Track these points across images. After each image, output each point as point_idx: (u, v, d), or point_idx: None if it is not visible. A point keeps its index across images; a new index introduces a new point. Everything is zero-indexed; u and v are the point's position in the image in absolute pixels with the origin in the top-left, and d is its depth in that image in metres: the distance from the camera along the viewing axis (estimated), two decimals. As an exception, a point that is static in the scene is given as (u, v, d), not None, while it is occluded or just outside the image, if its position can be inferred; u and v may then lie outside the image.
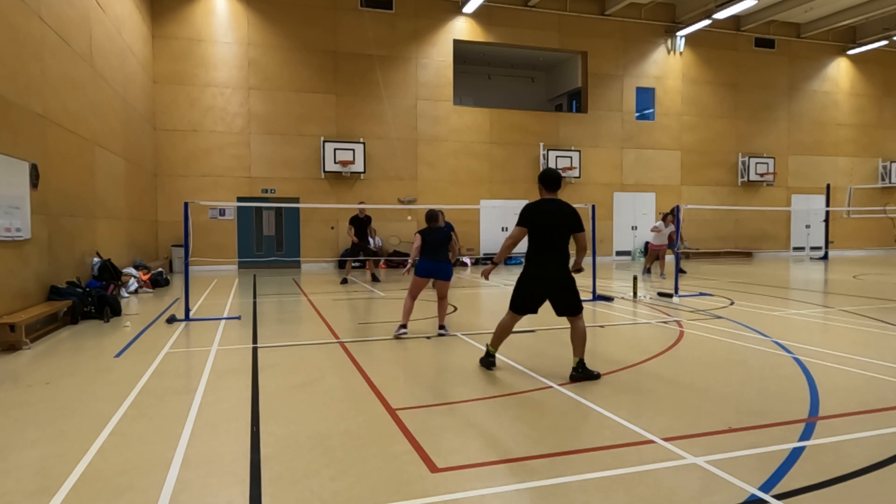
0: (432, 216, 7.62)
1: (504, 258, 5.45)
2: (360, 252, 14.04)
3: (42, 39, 8.68)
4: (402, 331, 7.20)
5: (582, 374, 5.16)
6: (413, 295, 7.44)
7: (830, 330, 7.67)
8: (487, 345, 5.64)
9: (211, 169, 17.77)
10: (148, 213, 16.16)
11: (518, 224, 5.29)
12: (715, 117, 23.17)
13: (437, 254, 7.35)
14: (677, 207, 11.77)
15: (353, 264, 14.95)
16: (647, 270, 15.65)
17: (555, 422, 4.09)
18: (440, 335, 7.26)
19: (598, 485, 3.11)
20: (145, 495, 3.04)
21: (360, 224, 14.01)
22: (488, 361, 5.57)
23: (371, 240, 18.76)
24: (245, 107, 18.04)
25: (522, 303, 5.36)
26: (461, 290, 12.51)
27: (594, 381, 5.11)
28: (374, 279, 14.46)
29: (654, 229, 15.15)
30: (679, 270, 15.63)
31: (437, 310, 7.58)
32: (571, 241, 5.35)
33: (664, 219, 15.06)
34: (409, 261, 7.70)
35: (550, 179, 5.38)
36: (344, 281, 14.03)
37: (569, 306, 5.28)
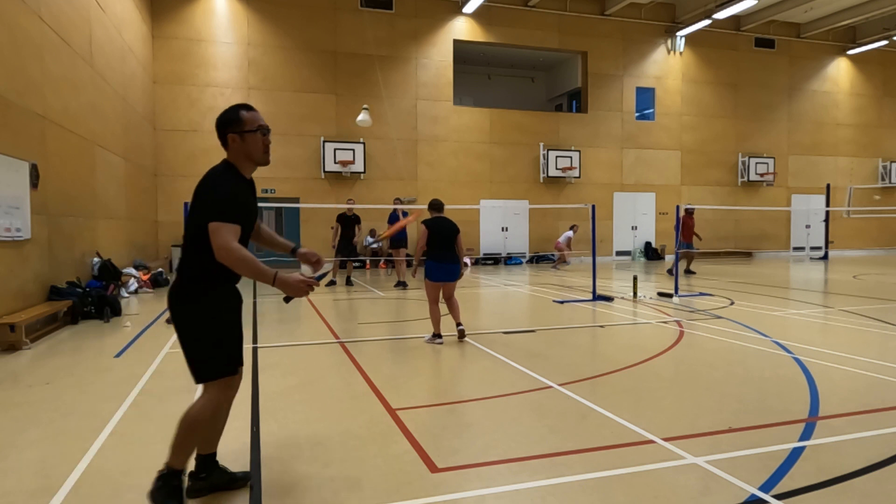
0: (438, 204, 6.93)
1: None
2: (347, 252, 13.12)
3: (42, 39, 8.68)
4: (438, 340, 6.75)
5: None
6: (435, 299, 6.84)
7: (830, 330, 7.66)
8: None
9: (211, 169, 17.74)
10: (148, 213, 16.15)
11: None
12: (715, 117, 23.16)
13: (449, 251, 6.70)
14: (677, 208, 11.77)
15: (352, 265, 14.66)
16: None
17: (555, 422, 4.08)
18: (460, 333, 6.83)
19: (598, 485, 3.10)
20: (145, 495, 3.03)
21: (348, 223, 13.17)
22: None
23: (370, 239, 18.80)
24: (245, 107, 18.01)
25: None
26: (459, 289, 12.50)
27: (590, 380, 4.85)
28: (348, 282, 13.60)
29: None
30: (687, 271, 15.77)
31: (450, 311, 6.97)
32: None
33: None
34: (415, 260, 6.96)
35: None
36: (331, 283, 13.23)
37: None
